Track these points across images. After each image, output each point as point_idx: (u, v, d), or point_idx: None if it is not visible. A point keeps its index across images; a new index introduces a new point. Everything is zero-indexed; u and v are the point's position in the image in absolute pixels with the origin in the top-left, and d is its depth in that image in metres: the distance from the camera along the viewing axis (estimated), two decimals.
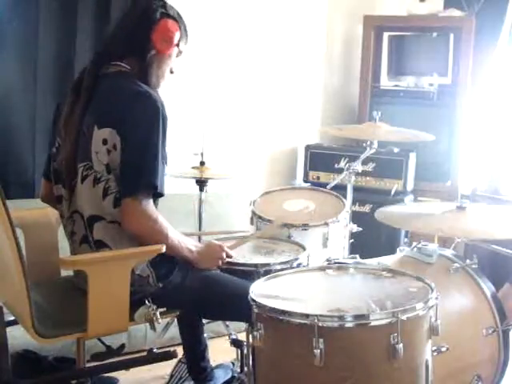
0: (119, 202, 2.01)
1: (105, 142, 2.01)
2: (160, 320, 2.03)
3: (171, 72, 2.22)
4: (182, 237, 2.13)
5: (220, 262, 2.23)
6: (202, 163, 2.94)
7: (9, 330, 2.09)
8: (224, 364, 2.75)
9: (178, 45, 2.16)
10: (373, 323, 1.72)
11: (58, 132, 2.19)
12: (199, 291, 2.16)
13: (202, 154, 2.93)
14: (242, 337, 2.16)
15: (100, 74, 2.10)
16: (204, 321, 2.75)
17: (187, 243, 2.14)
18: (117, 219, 2.03)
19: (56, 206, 2.24)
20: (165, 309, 2.07)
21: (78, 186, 2.08)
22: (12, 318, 2.16)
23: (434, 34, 4.34)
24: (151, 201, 2.02)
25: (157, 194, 2.04)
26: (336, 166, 4.08)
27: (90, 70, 2.12)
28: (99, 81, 2.09)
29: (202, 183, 2.94)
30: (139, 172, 2.00)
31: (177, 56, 2.21)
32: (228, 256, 2.25)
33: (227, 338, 2.66)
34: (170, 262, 2.12)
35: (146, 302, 2.02)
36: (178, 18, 2.15)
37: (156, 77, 2.15)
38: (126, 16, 2.18)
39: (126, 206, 1.99)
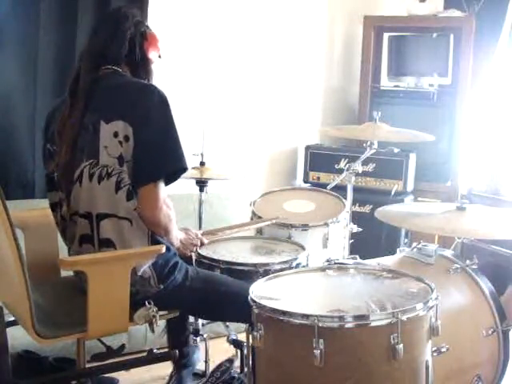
0: (132, 195, 2.03)
1: (116, 134, 2.03)
2: (159, 322, 2.04)
3: None
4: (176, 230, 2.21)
5: (194, 249, 2.35)
6: (202, 164, 2.94)
7: (9, 330, 2.09)
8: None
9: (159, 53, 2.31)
10: (373, 323, 1.72)
11: (48, 138, 2.20)
12: (199, 292, 2.17)
13: (202, 155, 2.93)
14: (242, 337, 2.16)
15: (95, 76, 2.14)
16: (204, 321, 2.76)
17: (179, 235, 2.25)
18: (128, 215, 2.04)
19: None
20: (166, 312, 2.08)
21: (82, 185, 2.07)
22: (12, 318, 2.17)
23: (434, 35, 4.34)
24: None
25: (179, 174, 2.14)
26: (336, 166, 4.09)
27: (85, 72, 2.14)
28: (96, 82, 2.12)
29: (201, 184, 2.94)
30: (163, 157, 2.05)
31: (159, 57, 2.34)
32: (202, 243, 2.38)
33: (227, 338, 2.66)
34: (171, 263, 2.13)
35: (147, 303, 2.03)
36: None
37: (146, 78, 2.24)
38: (116, 26, 2.19)
39: (148, 192, 2.04)
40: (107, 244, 2.05)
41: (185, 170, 2.11)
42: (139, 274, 2.05)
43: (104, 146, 2.04)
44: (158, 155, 2.05)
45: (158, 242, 2.10)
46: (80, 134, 2.09)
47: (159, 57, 2.30)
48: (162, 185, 2.06)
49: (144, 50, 2.20)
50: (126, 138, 2.03)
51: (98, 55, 2.16)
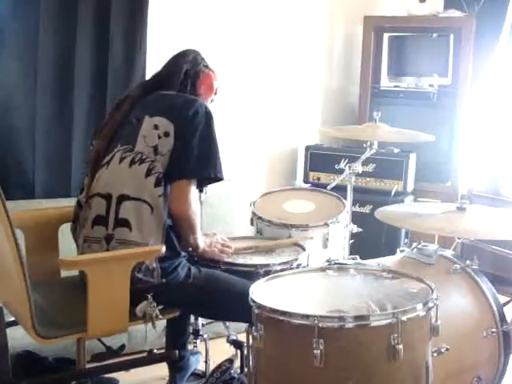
0: (160, 183, 2.12)
1: (156, 127, 2.18)
2: (160, 316, 2.04)
3: None
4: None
5: (224, 252, 2.40)
6: None
7: (9, 330, 2.09)
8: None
9: (215, 92, 2.48)
10: (373, 324, 1.72)
11: (95, 137, 2.34)
12: (201, 290, 2.18)
13: None
14: (242, 337, 2.16)
15: (144, 93, 2.33)
16: (204, 321, 2.76)
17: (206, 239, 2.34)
18: (152, 200, 2.12)
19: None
20: (162, 306, 2.08)
21: (109, 167, 2.18)
22: (12, 318, 2.17)
23: (434, 35, 4.34)
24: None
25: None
26: (336, 166, 4.09)
27: (137, 89, 2.37)
28: (145, 94, 2.31)
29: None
30: (203, 161, 2.20)
31: (211, 101, 2.49)
32: (226, 245, 2.42)
33: (227, 338, 2.66)
34: (177, 261, 2.15)
35: (149, 297, 2.04)
36: (213, 70, 2.46)
37: None
38: (175, 60, 2.40)
39: (181, 188, 2.17)
40: (123, 224, 2.10)
41: (220, 179, 2.25)
42: (146, 262, 2.07)
43: (143, 135, 2.18)
44: (199, 158, 2.18)
45: (171, 238, 2.15)
46: (121, 127, 2.24)
47: (211, 100, 2.46)
48: (193, 185, 2.19)
49: (196, 87, 2.36)
50: (166, 134, 2.17)
51: (151, 82, 2.38)
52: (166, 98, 2.29)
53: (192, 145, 2.17)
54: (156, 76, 2.40)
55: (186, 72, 2.35)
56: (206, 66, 2.43)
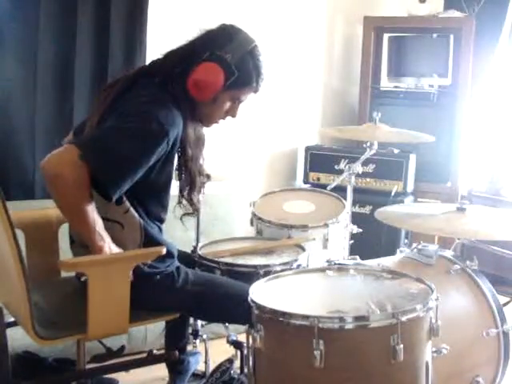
0: (120, 200, 1.98)
1: None
2: (159, 323, 2.03)
3: (232, 116, 2.22)
4: (100, 224, 1.93)
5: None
6: None
7: (9, 331, 2.09)
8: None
9: (218, 92, 2.04)
10: (373, 324, 1.72)
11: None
12: (199, 295, 2.15)
13: None
14: (242, 338, 2.16)
15: (130, 84, 2.04)
16: (203, 322, 2.76)
17: (103, 232, 1.94)
18: (120, 219, 2.02)
19: None
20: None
21: None
22: (12, 319, 2.16)
23: (434, 35, 4.35)
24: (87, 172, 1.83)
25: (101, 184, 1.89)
26: (336, 167, 4.09)
27: (127, 76, 2.09)
28: (128, 90, 2.04)
29: None
30: (99, 146, 1.87)
31: (233, 102, 2.16)
32: None
33: (227, 339, 2.66)
34: (171, 266, 2.13)
35: None
36: (233, 62, 2.00)
37: (200, 119, 2.15)
38: (183, 45, 2.07)
39: (66, 149, 1.86)
40: None
41: (95, 169, 1.85)
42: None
43: None
44: (98, 140, 1.90)
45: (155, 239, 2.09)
46: None
47: (236, 99, 2.11)
48: (84, 158, 1.81)
49: (187, 85, 1.98)
50: None
51: (150, 68, 2.11)
52: (131, 99, 1.99)
53: (106, 131, 1.90)
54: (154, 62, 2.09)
55: (177, 65, 1.99)
56: (217, 56, 1.92)
